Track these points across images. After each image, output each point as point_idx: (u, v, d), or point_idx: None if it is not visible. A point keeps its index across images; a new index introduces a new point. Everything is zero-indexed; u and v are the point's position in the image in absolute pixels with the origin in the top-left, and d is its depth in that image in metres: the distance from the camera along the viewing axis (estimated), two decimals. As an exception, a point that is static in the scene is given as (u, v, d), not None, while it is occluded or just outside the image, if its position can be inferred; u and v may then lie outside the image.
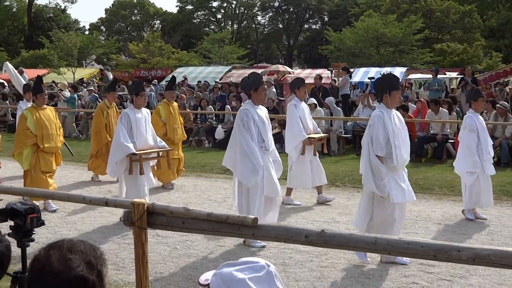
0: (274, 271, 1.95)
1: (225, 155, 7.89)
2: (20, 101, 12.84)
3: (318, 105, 16.22)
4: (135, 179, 8.59)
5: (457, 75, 30.04)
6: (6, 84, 26.87)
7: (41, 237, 7.58)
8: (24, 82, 13.85)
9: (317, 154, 10.26)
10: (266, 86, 8.44)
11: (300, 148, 9.80)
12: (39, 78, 10.23)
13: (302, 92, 10.34)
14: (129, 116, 8.74)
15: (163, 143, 9.39)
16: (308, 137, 9.85)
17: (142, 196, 8.23)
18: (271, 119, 17.52)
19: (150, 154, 8.95)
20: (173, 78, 14.02)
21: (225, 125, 17.47)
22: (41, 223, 3.34)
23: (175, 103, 12.20)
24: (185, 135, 12.58)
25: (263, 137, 7.62)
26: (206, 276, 2.06)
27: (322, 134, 10.81)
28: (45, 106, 9.88)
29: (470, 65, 31.51)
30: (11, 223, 3.30)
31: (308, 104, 16.52)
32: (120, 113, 10.47)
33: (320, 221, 8.92)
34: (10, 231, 3.22)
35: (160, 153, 9.21)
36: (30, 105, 10.07)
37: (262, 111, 7.86)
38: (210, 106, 19.37)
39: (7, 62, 14.70)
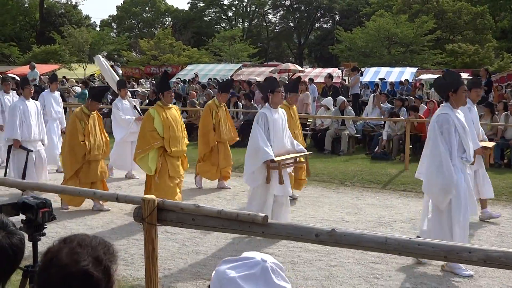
0: (272, 266, 1.75)
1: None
2: (116, 98, 12.26)
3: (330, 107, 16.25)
4: (267, 188, 7.68)
5: (468, 76, 29.93)
6: (18, 78, 26.96)
7: (51, 232, 7.61)
8: (118, 78, 13.03)
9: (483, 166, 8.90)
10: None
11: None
12: (165, 74, 9.65)
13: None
14: (266, 116, 7.71)
15: (301, 146, 8.35)
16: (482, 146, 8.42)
17: (268, 209, 7.59)
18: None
19: (289, 160, 7.95)
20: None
21: (236, 123, 17.47)
22: (52, 217, 3.35)
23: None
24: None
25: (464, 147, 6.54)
26: None
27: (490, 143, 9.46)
28: (170, 105, 8.98)
29: (481, 66, 31.34)
30: (23, 217, 3.31)
31: (323, 105, 16.57)
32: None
33: (329, 220, 8.90)
34: (22, 225, 3.23)
35: (297, 159, 8.21)
36: (156, 104, 8.98)
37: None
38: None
39: (99, 55, 13.38)
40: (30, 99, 10.46)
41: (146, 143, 8.53)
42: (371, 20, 42.97)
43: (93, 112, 9.31)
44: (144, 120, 8.90)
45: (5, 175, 9.99)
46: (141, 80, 32.37)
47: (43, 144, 10.52)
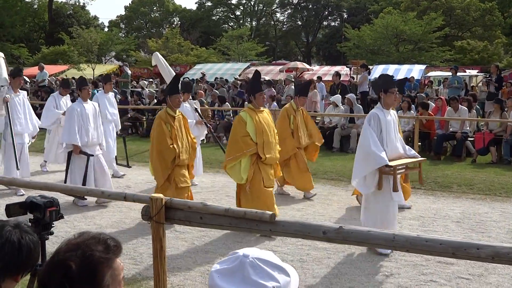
0: (253, 262, 1.60)
1: None
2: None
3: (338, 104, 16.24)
4: (382, 196, 7.06)
5: (477, 72, 29.81)
6: (28, 80, 27.08)
7: (60, 231, 7.65)
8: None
9: None
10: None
11: None
12: (257, 74, 8.70)
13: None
14: (379, 117, 7.05)
15: (413, 151, 7.60)
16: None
17: (391, 221, 7.14)
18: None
19: (403, 165, 7.26)
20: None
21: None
22: (60, 216, 3.37)
23: None
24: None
25: None
26: None
27: None
28: (262, 108, 8.31)
29: (490, 63, 31.20)
30: (31, 216, 3.33)
31: (332, 102, 16.56)
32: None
33: (338, 218, 8.90)
34: (30, 224, 3.25)
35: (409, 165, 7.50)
36: (247, 107, 8.34)
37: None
38: (227, 103, 19.38)
39: (157, 53, 12.86)
40: (88, 100, 9.99)
41: (238, 150, 7.85)
42: (379, 18, 42.81)
43: (178, 114, 8.59)
44: (235, 124, 8.18)
45: (65, 182, 9.56)
46: (149, 80, 32.46)
47: (100, 148, 10.10)
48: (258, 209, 6.08)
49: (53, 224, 3.35)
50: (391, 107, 7.33)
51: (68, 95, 13.19)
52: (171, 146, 8.24)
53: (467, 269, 6.42)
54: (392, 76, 7.99)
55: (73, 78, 29.45)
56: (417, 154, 7.65)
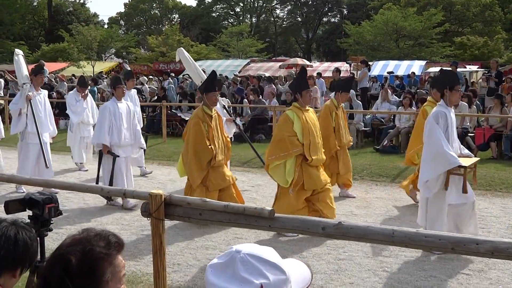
0: (244, 257, 1.55)
1: None
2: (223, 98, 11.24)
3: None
4: (442, 197, 6.79)
5: (478, 68, 29.79)
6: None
7: (61, 228, 7.66)
8: (204, 75, 11.50)
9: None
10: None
11: None
12: (303, 70, 8.38)
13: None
14: (446, 116, 6.75)
15: (466, 150, 7.42)
16: None
17: (466, 221, 6.83)
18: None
19: (472, 165, 6.91)
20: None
21: (243, 118, 17.47)
22: (58, 213, 3.37)
23: None
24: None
25: None
26: None
27: None
28: (307, 107, 7.91)
29: (490, 58, 31.20)
30: (30, 213, 3.34)
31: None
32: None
33: (338, 214, 8.87)
34: (27, 221, 3.25)
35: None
36: (292, 105, 7.86)
37: None
38: (227, 99, 19.36)
39: (182, 48, 12.10)
40: (123, 100, 9.63)
41: (283, 150, 7.43)
42: (379, 14, 42.83)
43: (214, 112, 8.33)
44: (281, 123, 7.74)
45: (97, 182, 9.39)
46: (149, 77, 32.44)
47: (141, 147, 9.89)
48: (294, 213, 5.84)
49: (52, 220, 3.35)
50: (454, 104, 7.12)
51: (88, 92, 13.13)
52: (209, 147, 7.96)
53: (467, 264, 6.42)
54: (456, 73, 7.64)
55: (73, 75, 29.48)
56: (470, 153, 7.48)
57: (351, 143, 10.48)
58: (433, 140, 6.65)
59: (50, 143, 10.74)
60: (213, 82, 8.45)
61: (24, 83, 10.15)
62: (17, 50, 11.09)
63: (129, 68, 27.09)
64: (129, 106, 9.67)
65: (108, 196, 8.72)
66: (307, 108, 7.77)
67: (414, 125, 9.45)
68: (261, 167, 11.50)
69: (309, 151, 7.45)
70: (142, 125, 12.53)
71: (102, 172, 9.41)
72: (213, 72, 8.76)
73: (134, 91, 12.52)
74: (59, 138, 13.98)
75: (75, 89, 13.18)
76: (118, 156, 9.24)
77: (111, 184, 8.97)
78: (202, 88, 8.66)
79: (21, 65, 10.53)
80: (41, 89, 10.63)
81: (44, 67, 24.60)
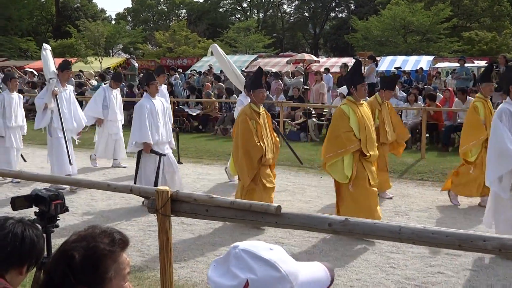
0: (238, 253, 1.56)
1: None
2: (241, 94, 10.83)
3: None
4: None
5: (486, 63, 29.62)
6: (36, 73, 27.14)
7: (68, 223, 7.70)
8: (239, 73, 11.21)
9: None
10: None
11: None
12: (358, 63, 8.16)
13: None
14: (510, 112, 6.51)
15: None
16: None
17: None
18: (296, 108, 17.54)
19: None
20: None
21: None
22: (65, 209, 3.38)
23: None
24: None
25: None
26: None
27: None
28: (362, 101, 7.70)
29: (499, 53, 31.05)
30: (36, 209, 3.34)
31: (340, 93, 16.51)
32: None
33: (345, 210, 8.87)
34: (35, 217, 3.26)
35: None
36: (346, 99, 7.65)
37: None
38: (235, 95, 19.35)
39: (215, 44, 11.69)
40: (157, 96, 9.32)
41: (340, 146, 7.24)
42: (387, 9, 42.62)
43: (262, 110, 8.06)
44: (336, 118, 7.50)
45: (135, 182, 9.02)
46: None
47: (170, 147, 9.56)
48: (360, 211, 5.86)
49: (58, 217, 3.36)
50: None
51: (119, 88, 13.05)
52: (258, 144, 7.74)
53: (474, 260, 6.40)
54: None
55: (80, 71, 29.53)
56: None
57: (409, 136, 10.09)
58: (497, 137, 6.45)
59: (77, 139, 10.80)
60: (260, 78, 8.30)
61: (50, 78, 10.13)
62: (45, 45, 11.01)
63: (136, 64, 27.16)
64: (163, 103, 9.41)
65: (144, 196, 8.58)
66: (361, 102, 7.57)
67: (464, 121, 9.35)
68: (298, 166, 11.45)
69: (366, 147, 7.28)
70: (172, 122, 12.40)
71: (141, 173, 9.09)
72: (259, 69, 8.59)
73: (164, 87, 12.12)
74: (88, 135, 13.85)
75: (107, 84, 12.94)
76: (165, 155, 9.01)
77: (156, 184, 8.58)
78: (249, 85, 8.52)
79: (49, 60, 10.51)
80: (67, 85, 10.62)
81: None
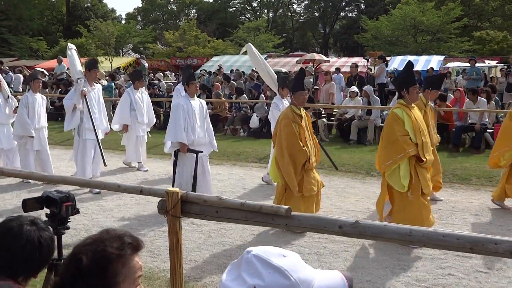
0: (249, 258, 1.53)
1: None
2: (275, 97, 10.67)
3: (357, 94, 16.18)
4: None
5: (497, 63, 29.48)
6: (46, 72, 27.24)
7: (79, 224, 7.73)
8: (274, 73, 11.13)
9: None
10: None
11: None
12: (410, 65, 7.71)
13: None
14: None
15: None
16: None
17: None
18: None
19: None
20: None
21: (260, 114, 17.46)
22: (76, 211, 3.39)
23: None
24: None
25: None
26: None
27: None
28: (413, 105, 7.34)
29: (510, 53, 30.90)
30: (47, 211, 3.36)
31: (350, 92, 16.50)
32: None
33: (355, 211, 8.86)
34: (46, 219, 3.27)
35: None
36: (398, 102, 7.37)
37: None
38: (245, 95, 19.36)
39: (250, 44, 11.37)
40: (195, 96, 9.15)
41: (399, 150, 6.89)
42: (397, 8, 42.53)
43: (303, 112, 7.89)
44: (391, 122, 7.15)
45: (173, 184, 8.82)
46: (166, 72, 32.56)
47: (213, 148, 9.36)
48: (412, 220, 5.69)
49: (69, 219, 3.37)
50: None
51: (144, 87, 12.69)
52: (303, 148, 7.53)
53: (485, 262, 6.37)
54: None
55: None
56: None
57: (438, 143, 9.74)
58: None
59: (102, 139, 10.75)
60: (302, 80, 8.15)
61: (78, 78, 10.07)
62: (70, 45, 10.96)
63: (146, 64, 27.23)
64: (201, 103, 9.21)
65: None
66: (413, 105, 7.27)
67: (501, 127, 9.21)
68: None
69: (423, 152, 6.95)
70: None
71: (178, 173, 8.95)
72: (301, 70, 8.38)
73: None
74: (110, 137, 13.75)
75: (131, 86, 12.64)
76: (202, 152, 8.84)
77: (194, 184, 8.50)
78: (290, 87, 8.33)
79: (75, 59, 10.46)
80: (95, 84, 10.57)
81: (63, 63, 24.70)
